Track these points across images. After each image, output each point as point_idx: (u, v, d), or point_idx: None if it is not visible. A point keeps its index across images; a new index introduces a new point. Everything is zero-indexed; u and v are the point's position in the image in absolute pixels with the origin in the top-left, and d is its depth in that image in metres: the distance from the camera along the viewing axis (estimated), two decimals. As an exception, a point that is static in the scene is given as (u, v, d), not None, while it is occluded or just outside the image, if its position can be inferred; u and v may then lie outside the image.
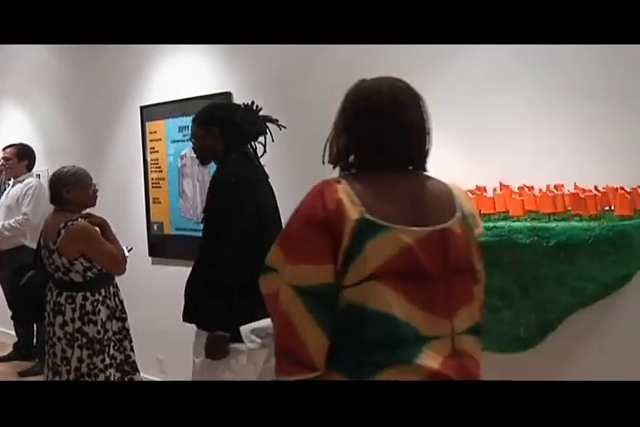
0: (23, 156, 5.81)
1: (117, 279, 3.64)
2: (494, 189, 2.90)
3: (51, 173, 3.86)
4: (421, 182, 1.76)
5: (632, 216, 2.49)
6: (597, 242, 2.46)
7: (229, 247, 2.70)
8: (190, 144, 3.12)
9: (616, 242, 2.46)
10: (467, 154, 3.15)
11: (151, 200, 5.02)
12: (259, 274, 1.74)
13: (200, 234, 2.92)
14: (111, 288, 3.55)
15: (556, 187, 2.74)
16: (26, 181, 5.74)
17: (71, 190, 3.52)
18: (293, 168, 3.87)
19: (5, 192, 5.93)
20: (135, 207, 5.15)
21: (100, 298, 3.47)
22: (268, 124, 3.01)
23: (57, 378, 3.43)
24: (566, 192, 2.67)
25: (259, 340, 2.66)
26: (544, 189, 2.74)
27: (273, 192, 3.01)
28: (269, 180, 3.02)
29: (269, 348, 2.63)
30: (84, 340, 3.40)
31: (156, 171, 4.96)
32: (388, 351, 1.62)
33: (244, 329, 2.67)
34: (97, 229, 3.54)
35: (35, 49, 6.06)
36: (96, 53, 5.33)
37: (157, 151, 4.93)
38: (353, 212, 1.63)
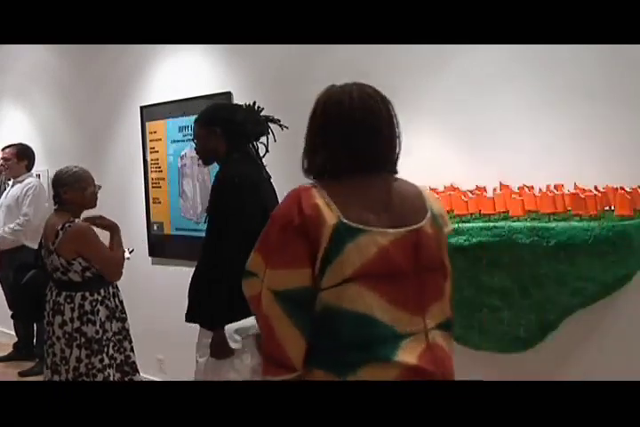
0: (22, 156, 5.80)
1: (118, 279, 3.65)
2: (494, 189, 2.90)
3: (51, 173, 3.85)
4: (393, 185, 1.82)
5: (632, 216, 2.49)
6: (597, 242, 2.46)
7: (232, 247, 2.69)
8: (190, 144, 3.13)
9: (616, 242, 2.46)
10: (467, 154, 3.15)
11: (151, 200, 5.02)
12: None
13: (200, 234, 2.92)
14: (111, 288, 3.54)
15: (556, 187, 2.74)
16: (25, 182, 5.74)
17: (69, 191, 3.51)
18: (293, 168, 3.83)
19: (5, 192, 5.92)
20: (135, 207, 5.14)
21: (99, 298, 3.47)
22: (269, 124, 3.02)
23: (56, 377, 3.43)
24: (566, 192, 2.67)
25: (240, 339, 2.69)
26: (544, 189, 2.74)
27: (275, 192, 3.01)
28: (271, 180, 3.02)
29: (249, 348, 2.67)
30: (83, 340, 3.40)
31: (156, 171, 4.96)
32: (364, 351, 1.67)
33: (229, 328, 2.69)
34: (106, 232, 3.56)
35: (35, 49, 6.05)
36: (96, 53, 5.33)
37: (157, 151, 4.93)
38: (330, 216, 1.68)
